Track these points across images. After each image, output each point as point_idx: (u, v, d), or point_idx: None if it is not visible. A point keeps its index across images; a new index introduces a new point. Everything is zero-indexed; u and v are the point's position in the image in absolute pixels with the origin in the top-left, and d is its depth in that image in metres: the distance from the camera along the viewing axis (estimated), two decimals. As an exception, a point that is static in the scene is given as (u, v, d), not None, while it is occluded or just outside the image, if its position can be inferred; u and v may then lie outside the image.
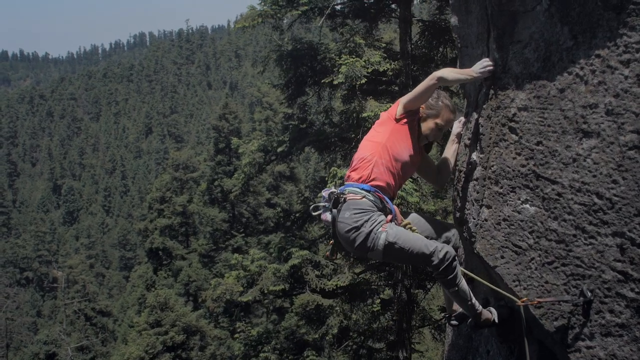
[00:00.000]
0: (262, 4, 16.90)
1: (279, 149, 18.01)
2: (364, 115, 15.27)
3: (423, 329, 20.45)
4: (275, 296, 18.87)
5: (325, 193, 5.18)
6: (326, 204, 5.15)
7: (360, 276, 18.33)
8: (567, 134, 4.11)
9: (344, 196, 5.02)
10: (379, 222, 4.91)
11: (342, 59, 15.23)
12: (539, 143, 4.34)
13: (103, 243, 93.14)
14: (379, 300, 18.74)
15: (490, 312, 5.03)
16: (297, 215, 20.92)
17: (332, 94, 17.59)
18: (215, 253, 44.19)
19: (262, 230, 41.29)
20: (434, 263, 4.76)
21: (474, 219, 5.02)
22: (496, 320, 5.04)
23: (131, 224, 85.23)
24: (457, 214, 5.42)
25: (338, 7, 17.58)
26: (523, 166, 4.48)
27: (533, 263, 4.42)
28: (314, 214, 5.24)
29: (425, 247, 4.79)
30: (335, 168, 15.91)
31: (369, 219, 4.90)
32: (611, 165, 3.82)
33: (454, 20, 5.51)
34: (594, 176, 3.93)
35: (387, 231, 4.85)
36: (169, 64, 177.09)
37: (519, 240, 4.52)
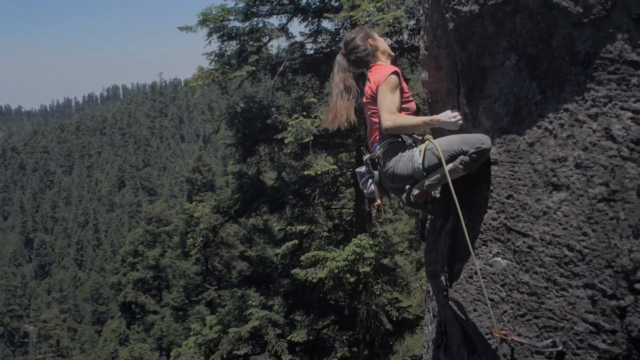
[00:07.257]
0: (211, 63, 16.93)
1: (234, 209, 18.06)
2: (306, 173, 15.39)
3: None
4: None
5: (362, 169, 5.33)
6: (368, 175, 5.23)
7: (322, 332, 18.22)
8: (537, 187, 4.15)
9: (376, 155, 5.05)
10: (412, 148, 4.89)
11: (292, 118, 15.26)
12: (509, 196, 4.37)
13: (75, 297, 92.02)
14: (340, 355, 18.56)
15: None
16: (262, 272, 21.01)
17: (284, 152, 17.52)
18: (189, 306, 43.73)
19: (235, 283, 40.89)
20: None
21: (447, 272, 5.02)
22: None
23: (104, 277, 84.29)
24: (430, 267, 5.43)
25: (288, 64, 17.56)
26: (494, 219, 4.50)
27: (505, 316, 4.42)
28: (366, 192, 5.30)
29: (465, 143, 4.59)
30: (291, 226, 16.06)
31: (404, 151, 4.86)
32: (581, 218, 3.86)
33: (424, 75, 5.56)
34: (565, 229, 3.96)
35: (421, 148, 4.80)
36: (142, 116, 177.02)
37: (491, 293, 4.52)
